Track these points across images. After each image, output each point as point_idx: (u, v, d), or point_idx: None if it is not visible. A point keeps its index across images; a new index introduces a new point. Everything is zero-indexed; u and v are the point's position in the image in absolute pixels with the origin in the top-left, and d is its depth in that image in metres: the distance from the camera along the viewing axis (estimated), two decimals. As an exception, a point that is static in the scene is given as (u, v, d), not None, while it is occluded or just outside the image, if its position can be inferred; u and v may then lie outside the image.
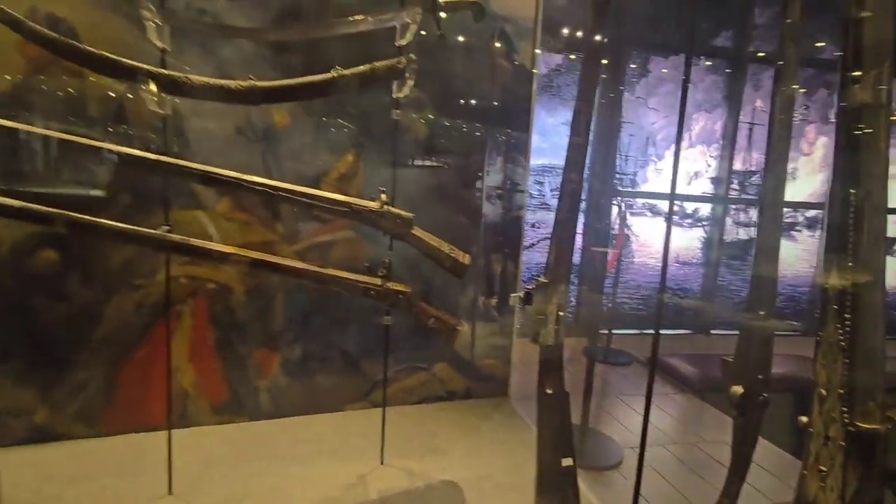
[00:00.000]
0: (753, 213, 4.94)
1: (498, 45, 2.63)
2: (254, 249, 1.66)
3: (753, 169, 4.95)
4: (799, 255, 5.03)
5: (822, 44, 4.06)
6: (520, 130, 2.76)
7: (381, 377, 2.12)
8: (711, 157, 4.91)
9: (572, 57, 4.38)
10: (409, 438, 2.32)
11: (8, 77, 1.86)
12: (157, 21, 1.54)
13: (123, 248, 2.05)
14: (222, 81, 1.56)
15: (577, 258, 3.70)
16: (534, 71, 2.72)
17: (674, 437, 2.71)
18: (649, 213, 4.98)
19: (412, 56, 1.71)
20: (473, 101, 2.66)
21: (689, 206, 5.08)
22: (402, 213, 1.66)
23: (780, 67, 1.14)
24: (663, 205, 4.89)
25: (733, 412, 1.28)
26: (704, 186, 4.94)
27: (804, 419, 0.84)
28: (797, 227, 5.10)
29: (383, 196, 1.64)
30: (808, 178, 5.08)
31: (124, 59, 1.49)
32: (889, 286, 0.83)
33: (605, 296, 3.81)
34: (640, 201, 4.95)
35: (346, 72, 1.60)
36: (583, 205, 4.08)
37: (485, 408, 2.70)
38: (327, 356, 2.46)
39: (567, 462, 1.29)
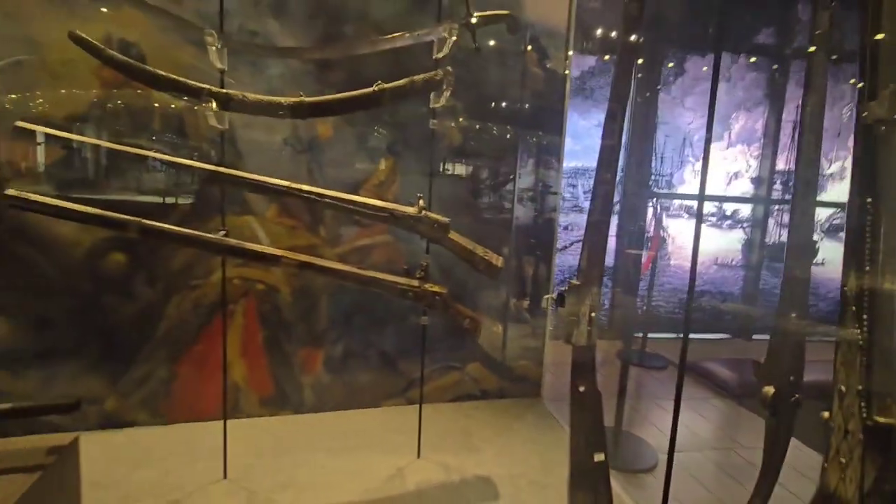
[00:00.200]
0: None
1: (530, 49, 2.68)
2: (299, 252, 1.77)
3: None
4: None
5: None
6: (553, 133, 2.81)
7: (418, 375, 2.21)
8: (752, 156, 4.78)
9: (605, 58, 4.36)
10: (444, 435, 2.40)
11: (85, 97, 2.06)
12: (217, 45, 1.68)
13: (183, 251, 2.23)
14: (274, 98, 1.68)
15: (610, 260, 3.71)
16: (566, 73, 2.75)
17: (710, 442, 2.68)
18: (686, 215, 4.89)
19: (449, 69, 1.78)
20: (506, 106, 2.72)
21: (729, 208, 4.95)
22: (439, 217, 1.73)
23: (808, 76, 1.16)
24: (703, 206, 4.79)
25: (765, 413, 1.29)
26: (745, 187, 4.80)
27: (825, 414, 0.88)
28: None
29: (421, 202, 1.71)
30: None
31: (189, 80, 1.64)
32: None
33: (640, 298, 3.77)
34: (676, 203, 4.87)
35: (387, 86, 1.68)
36: (616, 207, 4.05)
37: (518, 407, 2.75)
38: (367, 354, 2.58)
39: (599, 457, 1.31)
